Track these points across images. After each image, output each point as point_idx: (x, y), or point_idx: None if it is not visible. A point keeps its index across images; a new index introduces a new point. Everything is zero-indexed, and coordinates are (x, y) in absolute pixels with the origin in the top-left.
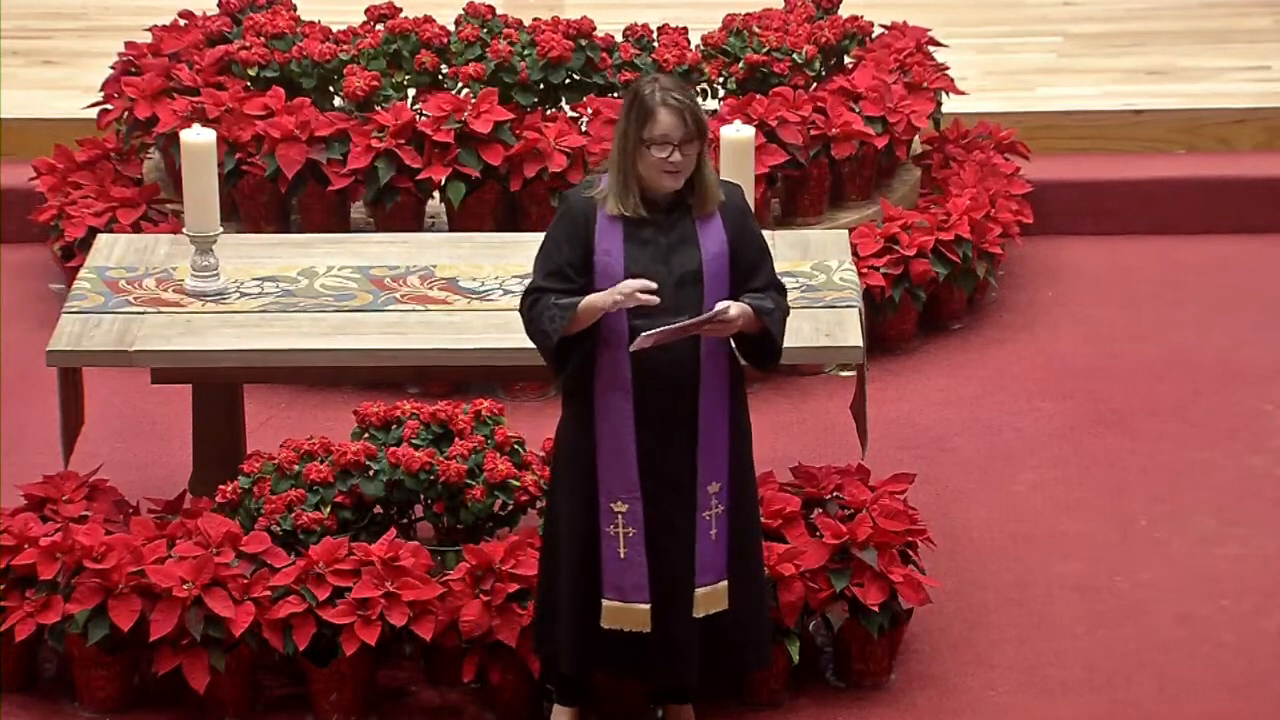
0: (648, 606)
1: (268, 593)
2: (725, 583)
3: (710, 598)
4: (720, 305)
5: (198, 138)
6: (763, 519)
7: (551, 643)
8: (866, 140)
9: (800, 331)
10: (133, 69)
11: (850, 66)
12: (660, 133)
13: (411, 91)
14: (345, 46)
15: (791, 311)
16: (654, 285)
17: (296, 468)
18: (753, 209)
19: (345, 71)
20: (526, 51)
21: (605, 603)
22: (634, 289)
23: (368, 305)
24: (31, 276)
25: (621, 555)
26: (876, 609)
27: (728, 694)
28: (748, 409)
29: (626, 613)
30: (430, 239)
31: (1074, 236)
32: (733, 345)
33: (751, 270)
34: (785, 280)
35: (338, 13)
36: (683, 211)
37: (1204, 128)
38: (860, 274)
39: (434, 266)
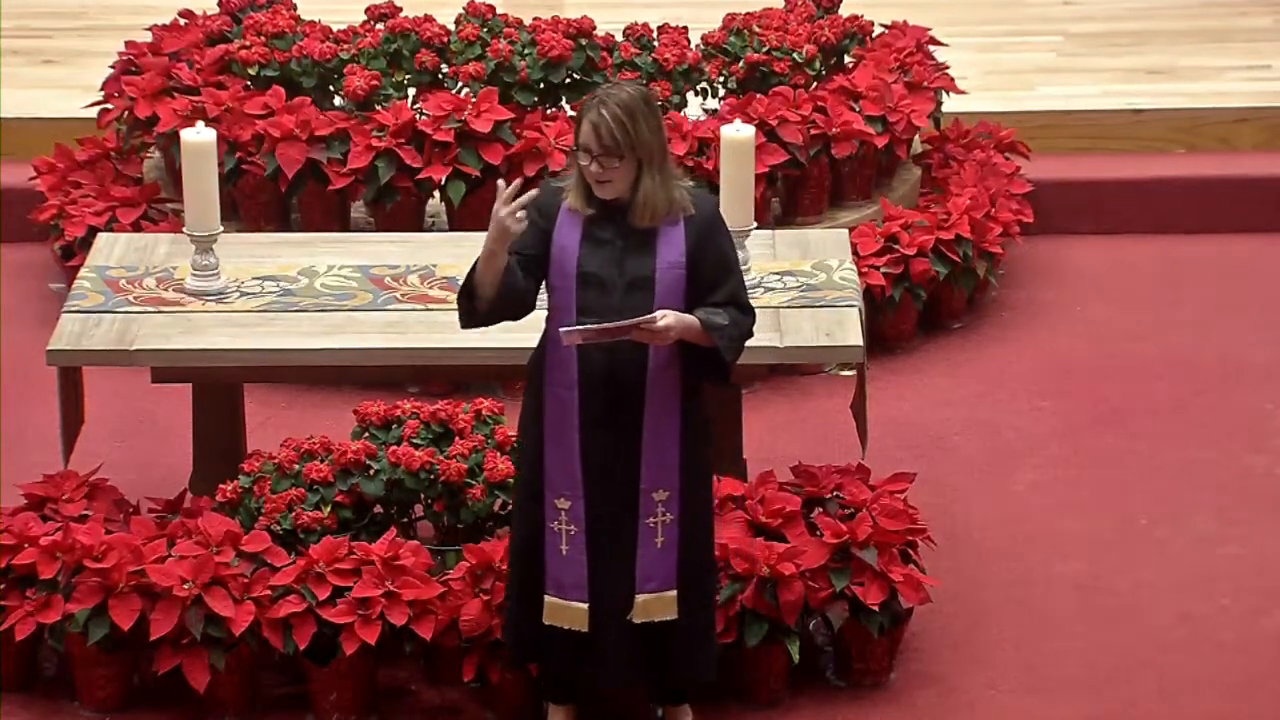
0: (585, 605)
1: (268, 592)
2: (673, 592)
3: (653, 605)
4: (658, 314)
5: (198, 137)
6: (763, 519)
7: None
8: (867, 140)
9: (800, 331)
10: (133, 68)
11: (850, 66)
12: (581, 141)
13: (412, 91)
14: (345, 46)
15: (782, 314)
16: (519, 203)
17: (296, 467)
18: (752, 215)
19: (345, 71)
20: (526, 51)
21: (546, 598)
22: (502, 198)
23: (368, 304)
24: (31, 276)
25: (563, 552)
26: (877, 608)
27: (728, 694)
28: (705, 421)
29: (565, 610)
30: (430, 238)
31: (1074, 236)
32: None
33: (711, 285)
34: (786, 279)
35: (338, 12)
36: None
37: (1204, 127)
38: (860, 273)
39: (434, 266)
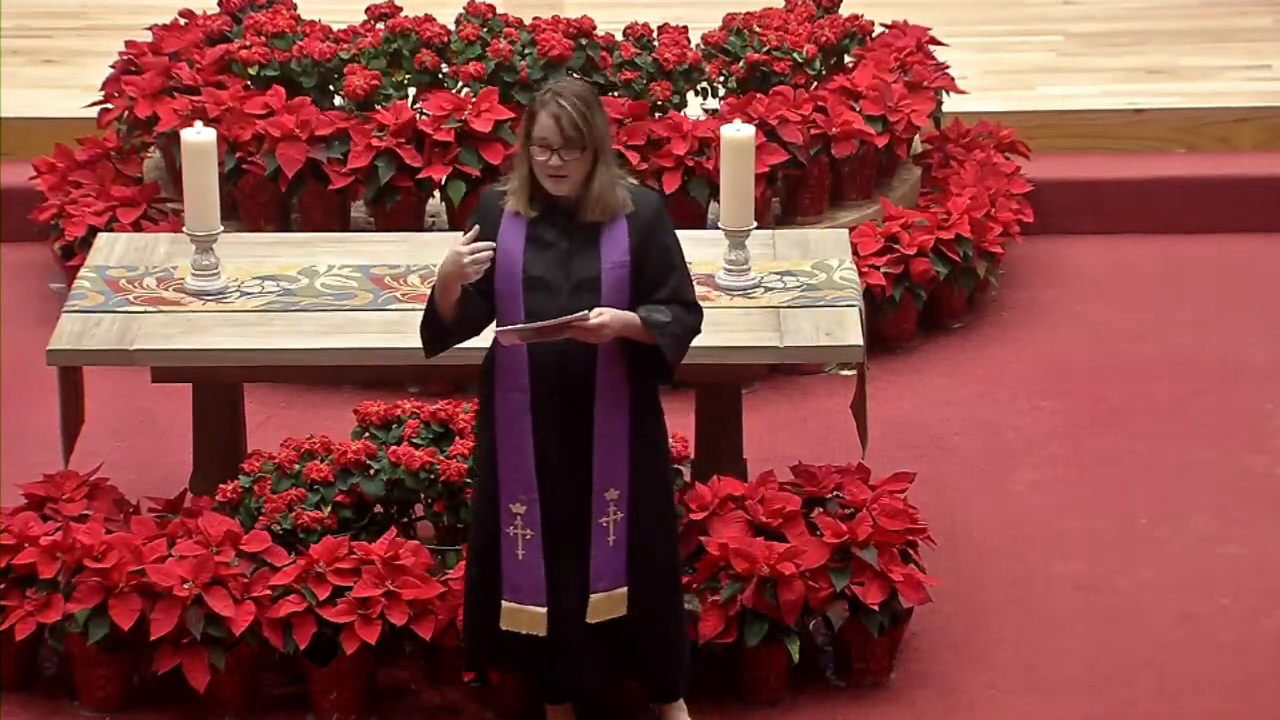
0: (544, 610)
1: (268, 592)
2: (624, 589)
3: (606, 603)
4: (593, 312)
5: (198, 137)
6: (763, 518)
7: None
8: (867, 139)
9: (800, 331)
10: (133, 68)
11: (850, 65)
12: (539, 135)
13: (412, 90)
14: (345, 45)
15: (782, 314)
16: (479, 246)
17: (297, 467)
18: (752, 215)
19: (345, 70)
20: (527, 51)
21: (504, 604)
22: (454, 247)
23: (368, 304)
24: (31, 276)
25: (519, 557)
26: (877, 608)
27: (728, 694)
28: (659, 419)
29: (523, 615)
30: (430, 238)
31: (1074, 236)
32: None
33: (655, 284)
34: (786, 279)
35: (338, 12)
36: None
37: (1204, 127)
38: (860, 273)
39: (434, 266)
